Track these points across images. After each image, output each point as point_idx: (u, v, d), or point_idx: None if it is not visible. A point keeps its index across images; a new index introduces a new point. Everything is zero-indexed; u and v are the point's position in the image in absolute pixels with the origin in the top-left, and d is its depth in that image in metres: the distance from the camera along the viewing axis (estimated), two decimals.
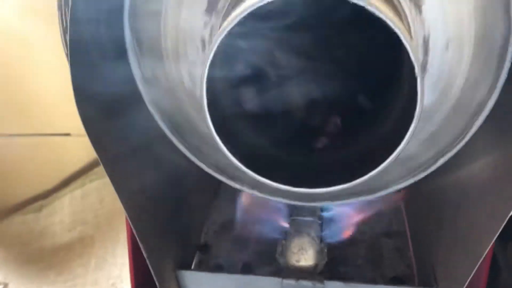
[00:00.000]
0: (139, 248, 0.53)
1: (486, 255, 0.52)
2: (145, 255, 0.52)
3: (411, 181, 0.57)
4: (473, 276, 0.50)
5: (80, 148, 1.29)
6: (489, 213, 0.50)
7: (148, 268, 0.53)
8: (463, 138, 0.53)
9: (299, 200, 0.56)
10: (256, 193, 0.56)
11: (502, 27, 0.47)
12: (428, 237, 0.64)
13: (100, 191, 1.33)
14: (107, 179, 1.42)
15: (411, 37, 0.43)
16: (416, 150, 0.53)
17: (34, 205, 1.33)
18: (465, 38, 0.48)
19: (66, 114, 1.21)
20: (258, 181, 0.46)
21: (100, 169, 1.33)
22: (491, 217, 0.49)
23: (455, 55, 0.49)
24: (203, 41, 0.49)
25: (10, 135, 1.28)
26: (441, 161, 0.55)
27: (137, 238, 0.51)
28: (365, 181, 0.44)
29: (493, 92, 0.50)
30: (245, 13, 0.37)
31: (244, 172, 0.45)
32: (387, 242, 0.68)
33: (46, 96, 1.22)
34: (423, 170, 0.55)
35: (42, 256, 1.23)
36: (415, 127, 0.41)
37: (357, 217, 0.67)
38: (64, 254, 1.25)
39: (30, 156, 1.30)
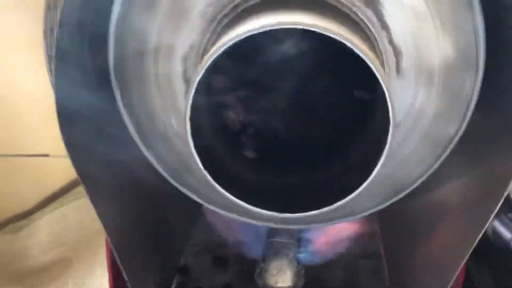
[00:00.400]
0: (119, 270, 0.54)
1: (457, 277, 0.54)
2: (125, 277, 0.53)
3: (381, 206, 0.58)
4: None
5: (59, 169, 1.29)
6: (460, 236, 0.52)
7: None
8: (432, 166, 0.55)
9: (275, 223, 0.58)
10: (235, 216, 0.58)
11: (471, 69, 0.50)
12: (403, 259, 0.66)
13: (79, 212, 1.33)
14: (85, 200, 1.41)
15: (384, 70, 0.45)
16: (385, 178, 0.56)
17: (12, 226, 1.32)
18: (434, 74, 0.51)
19: (45, 135, 1.21)
20: (236, 205, 0.47)
21: (79, 190, 1.33)
22: (461, 240, 0.51)
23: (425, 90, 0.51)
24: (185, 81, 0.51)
25: None
26: (408, 189, 0.57)
27: (118, 260, 0.52)
28: (334, 208, 0.46)
29: (461, 127, 0.53)
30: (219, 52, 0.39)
31: (223, 196, 0.46)
32: (364, 264, 0.69)
33: (25, 117, 1.22)
34: (394, 196, 0.57)
35: (19, 278, 1.22)
36: (386, 158, 0.44)
37: (334, 239, 0.69)
38: (42, 276, 1.24)
39: (9, 177, 1.30)
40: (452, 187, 0.56)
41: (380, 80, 0.40)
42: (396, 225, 0.70)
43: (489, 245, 0.85)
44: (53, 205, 1.33)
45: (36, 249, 1.28)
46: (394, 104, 0.41)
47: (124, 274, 0.53)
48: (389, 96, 0.41)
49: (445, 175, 0.57)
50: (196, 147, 0.43)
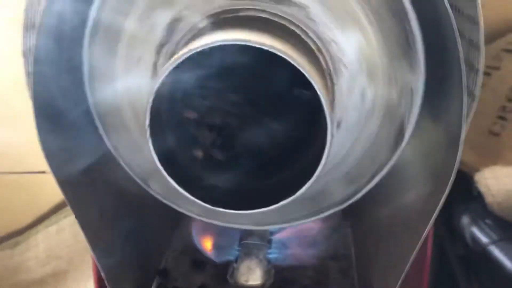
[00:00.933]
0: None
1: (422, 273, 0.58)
2: (104, 277, 0.57)
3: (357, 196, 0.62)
4: None
5: (55, 186, 1.31)
6: (412, 230, 0.56)
7: None
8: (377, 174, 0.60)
9: (252, 224, 0.62)
10: (204, 219, 0.62)
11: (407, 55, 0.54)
12: (368, 259, 0.70)
13: (75, 226, 1.33)
14: None
15: (327, 92, 0.50)
16: (332, 187, 0.60)
17: (8, 242, 1.35)
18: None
19: (41, 152, 1.24)
20: (203, 208, 0.51)
21: None
22: (412, 233, 0.55)
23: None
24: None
25: None
26: (359, 195, 0.61)
27: (96, 260, 0.56)
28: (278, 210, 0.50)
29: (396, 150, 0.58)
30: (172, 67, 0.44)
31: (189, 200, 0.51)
32: (333, 265, 0.73)
33: (21, 133, 1.24)
34: (353, 196, 0.61)
35: None
36: (320, 171, 0.48)
37: (305, 241, 0.73)
38: None
39: (5, 193, 1.32)
40: (412, 194, 0.60)
41: (314, 85, 0.44)
42: (364, 229, 0.74)
43: (471, 253, 0.88)
44: (50, 220, 1.36)
45: (33, 262, 1.31)
46: (331, 111, 0.46)
47: (102, 274, 0.57)
48: (325, 104, 0.45)
49: (403, 178, 0.61)
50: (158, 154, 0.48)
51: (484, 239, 0.83)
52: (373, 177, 0.60)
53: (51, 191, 1.33)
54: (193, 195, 0.49)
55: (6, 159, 1.29)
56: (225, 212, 0.51)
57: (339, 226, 0.78)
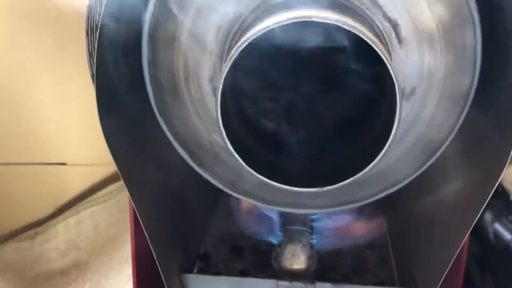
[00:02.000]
0: (141, 263, 0.59)
1: (460, 262, 0.59)
2: (155, 257, 0.57)
3: (385, 193, 0.63)
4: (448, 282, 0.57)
5: (75, 177, 1.32)
6: (459, 221, 0.57)
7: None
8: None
9: (289, 207, 0.63)
10: (251, 200, 0.63)
11: (468, 23, 0.55)
12: (408, 248, 0.70)
13: (94, 218, 1.36)
14: (100, 207, 1.45)
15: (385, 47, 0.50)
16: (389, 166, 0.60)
17: (28, 232, 1.35)
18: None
19: (63, 143, 1.25)
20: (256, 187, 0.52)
21: (94, 197, 1.37)
22: (460, 224, 0.56)
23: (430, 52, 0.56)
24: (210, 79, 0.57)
25: (5, 163, 1.32)
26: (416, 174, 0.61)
27: (149, 241, 0.57)
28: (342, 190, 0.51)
29: (473, 82, 0.57)
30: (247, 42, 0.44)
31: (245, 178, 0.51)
32: (371, 253, 0.74)
33: (43, 125, 1.25)
34: (398, 183, 0.62)
35: (37, 282, 1.26)
36: (393, 139, 0.48)
37: (344, 229, 0.74)
38: (59, 279, 1.27)
39: (26, 184, 1.33)
40: (453, 185, 0.61)
41: (383, 57, 0.45)
42: (401, 219, 0.75)
43: (492, 251, 0.88)
44: (70, 212, 1.37)
45: (53, 254, 1.32)
46: (398, 75, 0.46)
47: (154, 254, 0.57)
48: (392, 68, 0.45)
49: (446, 175, 0.62)
50: (234, 148, 0.49)
51: (507, 235, 0.84)
52: (431, 156, 0.61)
53: (71, 183, 1.34)
54: (258, 173, 0.50)
55: (27, 150, 1.29)
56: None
57: (374, 217, 0.79)
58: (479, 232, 0.88)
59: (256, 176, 0.50)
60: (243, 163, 0.50)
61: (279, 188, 0.51)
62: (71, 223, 1.36)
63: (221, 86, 0.46)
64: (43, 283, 1.26)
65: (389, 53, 0.52)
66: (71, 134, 1.24)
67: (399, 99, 0.46)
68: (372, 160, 0.49)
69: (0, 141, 1.28)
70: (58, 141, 1.25)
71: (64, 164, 1.33)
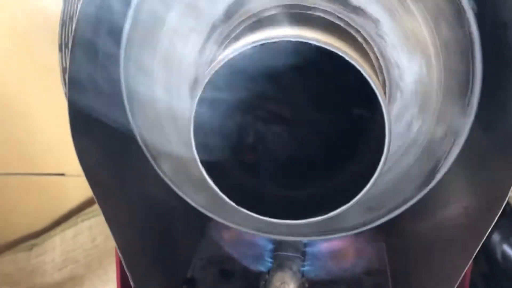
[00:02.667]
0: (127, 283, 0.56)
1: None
2: (131, 281, 0.55)
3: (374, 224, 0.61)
4: None
5: (73, 188, 1.31)
6: (461, 248, 0.53)
7: None
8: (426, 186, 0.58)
9: (279, 234, 0.60)
10: (242, 228, 0.60)
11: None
12: (407, 274, 0.67)
13: (92, 230, 1.35)
14: (98, 219, 1.43)
15: (384, 94, 0.47)
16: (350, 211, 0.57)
17: (25, 244, 1.34)
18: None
19: (61, 154, 1.24)
20: (242, 217, 0.49)
21: (92, 209, 1.35)
22: (462, 251, 0.53)
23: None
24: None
25: (3, 174, 1.31)
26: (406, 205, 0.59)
27: (125, 267, 0.54)
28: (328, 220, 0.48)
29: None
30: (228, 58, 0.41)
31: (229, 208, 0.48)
32: (368, 280, 0.70)
33: (41, 136, 1.25)
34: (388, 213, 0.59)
35: None
36: (380, 172, 0.45)
37: (340, 255, 0.71)
38: None
39: (24, 195, 1.32)
40: (454, 208, 0.58)
41: (379, 98, 0.42)
42: (401, 244, 0.71)
43: (500, 271, 0.86)
44: (67, 223, 1.35)
45: (50, 266, 1.30)
46: (390, 116, 0.43)
47: (131, 280, 0.55)
48: (385, 109, 0.42)
49: (447, 197, 0.59)
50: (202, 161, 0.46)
51: None
52: (392, 210, 0.59)
53: (69, 194, 1.33)
54: (238, 205, 0.47)
55: (25, 160, 1.29)
56: (232, 209, 0.49)
57: (373, 241, 0.75)
58: (487, 252, 0.86)
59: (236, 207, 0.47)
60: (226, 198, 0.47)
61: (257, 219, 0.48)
62: (69, 235, 1.35)
63: (193, 114, 0.43)
64: None
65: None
66: (70, 145, 1.22)
67: (387, 145, 0.44)
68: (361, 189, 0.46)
69: None
70: (56, 152, 1.24)
71: (62, 174, 1.32)
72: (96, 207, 1.30)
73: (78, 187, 1.31)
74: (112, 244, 1.31)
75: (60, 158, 1.26)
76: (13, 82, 1.18)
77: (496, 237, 0.86)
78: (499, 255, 0.86)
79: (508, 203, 0.81)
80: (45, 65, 1.13)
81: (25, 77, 1.17)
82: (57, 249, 1.32)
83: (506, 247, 0.86)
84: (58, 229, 1.34)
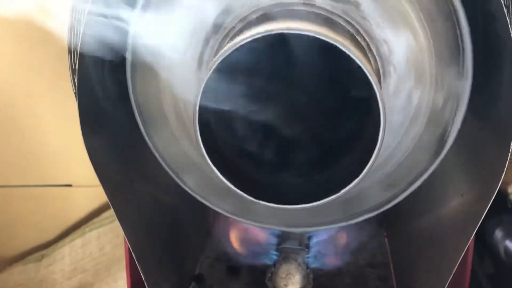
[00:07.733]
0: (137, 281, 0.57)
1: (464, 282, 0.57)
2: (143, 278, 0.56)
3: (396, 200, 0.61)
4: None
5: (81, 199, 1.32)
6: (458, 235, 0.55)
7: None
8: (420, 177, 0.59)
9: (283, 226, 0.61)
10: (244, 220, 0.61)
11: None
12: (409, 266, 0.68)
13: (100, 239, 1.36)
14: (106, 228, 1.44)
15: (380, 87, 0.49)
16: (369, 191, 0.59)
17: (34, 255, 1.35)
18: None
19: (68, 165, 1.25)
20: (245, 207, 0.50)
21: (100, 218, 1.36)
22: (459, 238, 0.54)
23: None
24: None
25: (12, 186, 1.32)
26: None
27: (136, 262, 0.55)
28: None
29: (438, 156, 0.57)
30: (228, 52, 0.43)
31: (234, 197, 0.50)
32: (371, 272, 0.72)
33: (49, 147, 1.26)
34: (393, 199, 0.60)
35: None
36: (372, 163, 0.47)
37: (343, 248, 0.72)
38: None
39: (32, 206, 1.33)
40: (453, 203, 0.59)
41: (372, 81, 0.44)
42: (402, 237, 0.73)
43: (503, 268, 0.86)
44: (75, 233, 1.36)
45: (59, 276, 1.31)
46: (384, 102, 0.45)
47: (142, 275, 0.56)
48: (380, 95, 0.44)
49: (446, 193, 0.60)
50: (206, 150, 0.47)
51: None
52: (412, 183, 0.60)
53: (77, 204, 1.34)
54: (236, 187, 0.48)
55: (32, 172, 1.30)
56: (259, 209, 0.50)
57: (376, 234, 0.77)
58: (491, 250, 0.87)
59: (243, 196, 0.49)
60: (232, 185, 0.48)
61: (269, 207, 0.49)
62: (77, 244, 1.36)
63: (197, 109, 0.45)
64: None
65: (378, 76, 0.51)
66: (77, 156, 1.23)
67: (382, 128, 0.45)
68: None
69: (6, 163, 1.28)
70: (63, 163, 1.25)
71: (70, 185, 1.33)
72: (103, 216, 1.32)
73: (86, 198, 1.32)
74: (120, 252, 1.32)
75: (67, 169, 1.27)
76: (21, 94, 1.18)
77: (499, 234, 0.86)
78: (502, 252, 0.86)
79: (509, 200, 0.82)
80: (53, 78, 1.14)
81: (32, 90, 1.17)
82: (66, 258, 1.33)
83: (508, 244, 0.85)
84: (67, 239, 1.35)
